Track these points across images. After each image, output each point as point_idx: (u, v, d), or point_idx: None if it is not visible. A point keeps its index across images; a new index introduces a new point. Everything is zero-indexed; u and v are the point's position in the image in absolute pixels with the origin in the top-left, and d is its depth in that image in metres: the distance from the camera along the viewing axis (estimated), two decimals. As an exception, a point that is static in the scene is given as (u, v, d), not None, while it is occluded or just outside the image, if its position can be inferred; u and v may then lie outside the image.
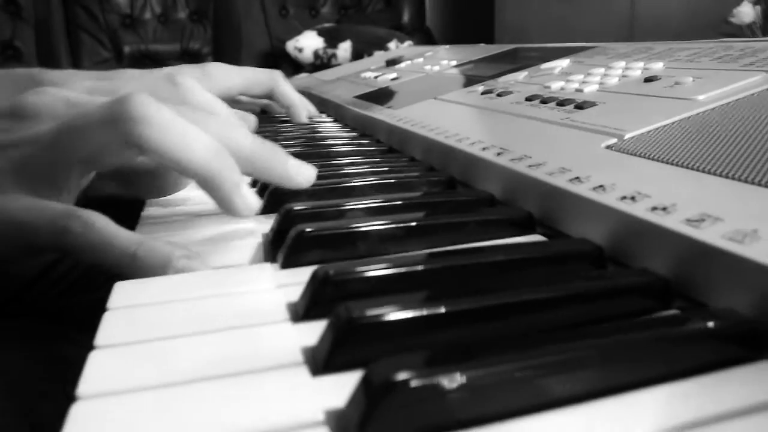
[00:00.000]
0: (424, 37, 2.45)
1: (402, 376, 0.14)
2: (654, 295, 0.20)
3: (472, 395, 0.14)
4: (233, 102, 0.58)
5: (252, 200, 0.28)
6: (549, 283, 0.20)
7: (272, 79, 0.59)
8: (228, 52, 2.23)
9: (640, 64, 0.44)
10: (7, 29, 1.60)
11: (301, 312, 0.21)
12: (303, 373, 0.17)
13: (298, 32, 2.20)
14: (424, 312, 0.18)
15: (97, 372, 0.18)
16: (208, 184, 0.27)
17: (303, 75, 1.24)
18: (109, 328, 0.21)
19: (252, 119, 0.48)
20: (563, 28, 1.99)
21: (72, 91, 0.30)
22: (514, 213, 0.28)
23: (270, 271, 0.25)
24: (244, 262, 0.27)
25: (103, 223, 0.25)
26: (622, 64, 0.46)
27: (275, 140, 0.54)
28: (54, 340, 0.34)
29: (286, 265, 0.25)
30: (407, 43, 2.18)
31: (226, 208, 0.28)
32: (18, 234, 0.25)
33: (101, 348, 0.19)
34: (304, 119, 0.63)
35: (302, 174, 0.30)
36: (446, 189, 0.36)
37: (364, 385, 0.14)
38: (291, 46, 2.14)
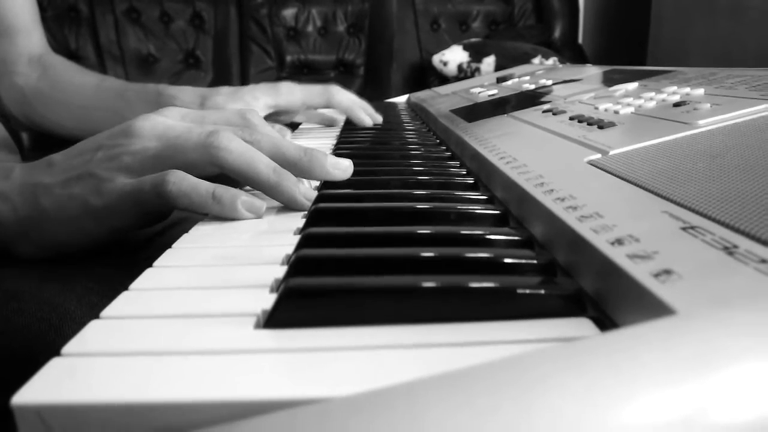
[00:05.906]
0: (575, 53, 2.42)
1: (295, 285, 0.22)
2: (540, 270, 0.26)
3: (338, 304, 0.21)
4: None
5: (310, 193, 0.38)
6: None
7: (327, 92, 0.72)
8: (379, 64, 2.39)
9: (686, 90, 0.47)
10: (191, 40, 1.87)
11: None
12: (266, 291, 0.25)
13: (448, 46, 2.29)
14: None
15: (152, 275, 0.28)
16: (272, 191, 0.37)
17: (427, 90, 1.33)
18: (167, 257, 0.30)
19: (287, 131, 0.63)
20: (729, 48, 1.86)
21: (169, 119, 0.40)
22: (492, 209, 0.34)
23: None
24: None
25: (191, 177, 0.35)
26: (673, 89, 0.49)
27: (353, 141, 0.64)
28: None
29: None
30: (552, 59, 2.18)
31: (291, 206, 0.37)
32: (130, 200, 0.36)
33: (157, 267, 0.29)
34: (365, 118, 0.75)
35: (339, 168, 0.39)
36: (466, 190, 0.42)
37: (280, 290, 0.22)
38: (437, 59, 2.24)
